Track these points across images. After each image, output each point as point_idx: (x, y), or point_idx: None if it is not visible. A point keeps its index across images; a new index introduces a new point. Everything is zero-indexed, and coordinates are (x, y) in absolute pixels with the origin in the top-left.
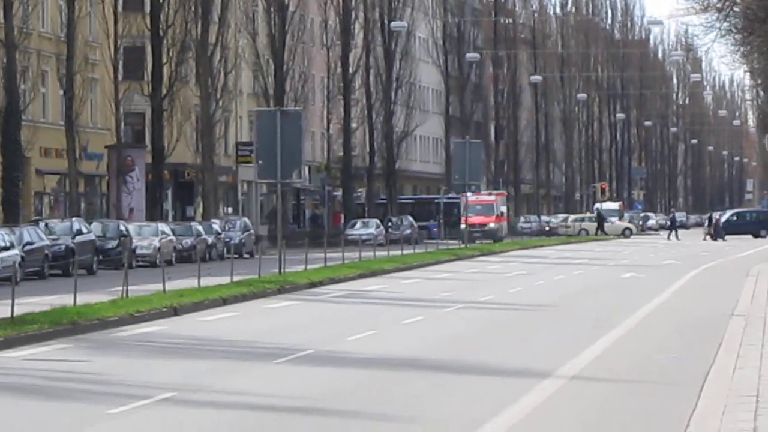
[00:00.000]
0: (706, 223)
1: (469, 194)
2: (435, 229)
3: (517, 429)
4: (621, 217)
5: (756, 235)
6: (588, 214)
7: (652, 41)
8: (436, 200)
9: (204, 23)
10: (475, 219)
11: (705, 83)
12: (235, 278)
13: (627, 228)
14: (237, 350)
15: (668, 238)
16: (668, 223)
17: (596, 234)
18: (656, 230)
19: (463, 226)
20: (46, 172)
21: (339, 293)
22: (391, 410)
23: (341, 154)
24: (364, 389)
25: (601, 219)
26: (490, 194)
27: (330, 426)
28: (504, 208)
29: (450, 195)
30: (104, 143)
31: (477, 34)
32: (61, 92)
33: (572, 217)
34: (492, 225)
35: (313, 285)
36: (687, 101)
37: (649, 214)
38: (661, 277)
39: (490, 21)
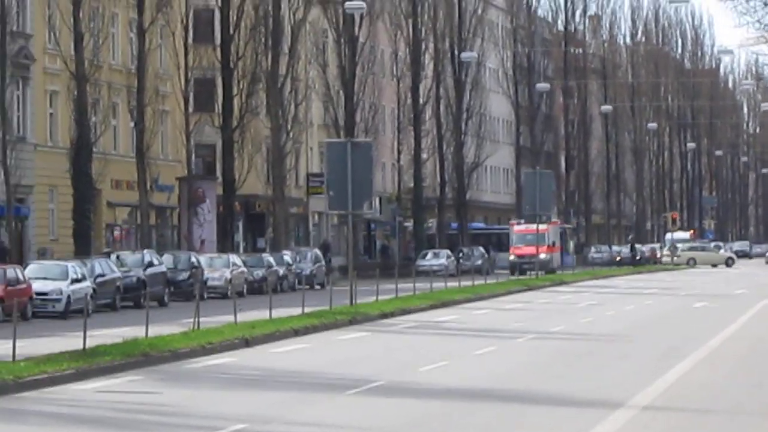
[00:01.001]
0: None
1: (517, 224)
2: None
3: None
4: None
5: None
6: (697, 243)
7: (722, 70)
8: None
9: (274, 55)
10: (524, 250)
11: None
12: (307, 310)
13: (729, 257)
14: (308, 382)
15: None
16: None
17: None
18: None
19: (511, 257)
20: (117, 204)
21: (410, 324)
22: None
23: (412, 184)
24: (436, 420)
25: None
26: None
27: None
28: (557, 239)
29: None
30: (175, 175)
31: (547, 64)
32: (132, 124)
33: (681, 245)
34: (543, 256)
35: (384, 316)
36: (757, 130)
37: (720, 243)
38: (733, 307)
39: (560, 51)
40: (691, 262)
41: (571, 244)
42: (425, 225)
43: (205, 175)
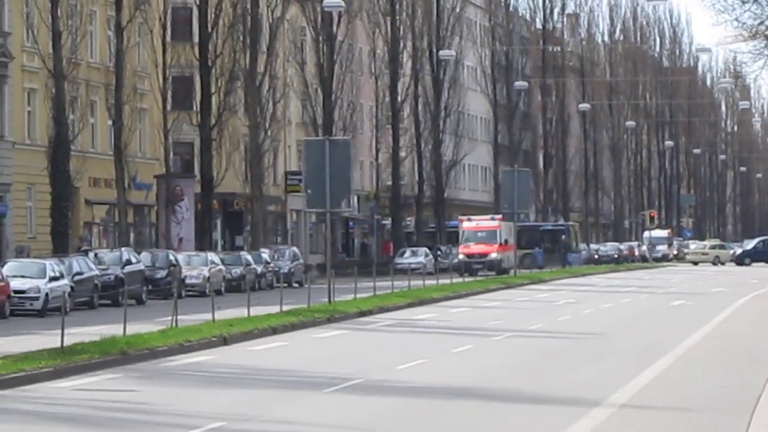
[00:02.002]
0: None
1: (467, 220)
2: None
3: None
4: (670, 245)
5: None
6: (717, 242)
7: (700, 69)
8: (540, 227)
9: (252, 53)
10: (474, 248)
11: (753, 110)
12: (285, 307)
13: (717, 256)
14: (286, 379)
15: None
16: None
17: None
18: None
19: (460, 256)
20: (95, 202)
21: (388, 322)
22: None
23: (390, 182)
24: (414, 418)
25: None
26: (492, 219)
27: None
28: (510, 236)
29: (557, 222)
30: (153, 173)
31: (525, 62)
32: (110, 122)
33: (708, 243)
34: (494, 255)
35: (362, 314)
36: (736, 128)
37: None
38: (711, 305)
39: (538, 49)
40: (716, 260)
41: (576, 243)
42: (403, 223)
43: (183, 173)
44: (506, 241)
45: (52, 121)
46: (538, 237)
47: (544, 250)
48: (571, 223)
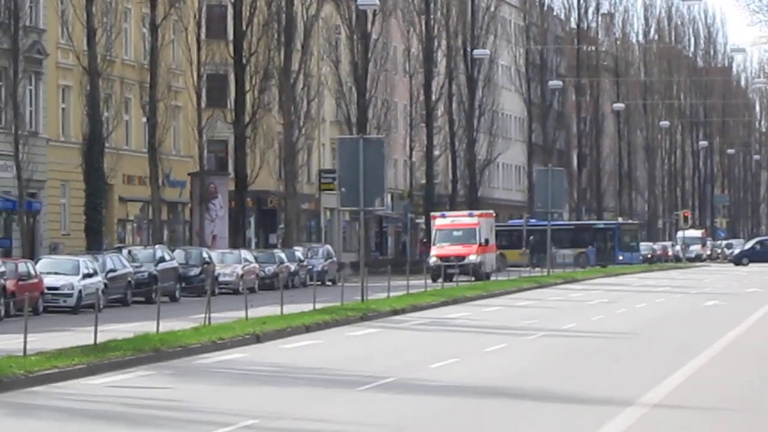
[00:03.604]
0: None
1: (440, 216)
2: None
3: None
4: (704, 245)
5: None
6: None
7: (734, 69)
8: (593, 226)
9: (287, 51)
10: (449, 250)
11: None
12: (318, 306)
13: None
14: (319, 378)
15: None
16: None
17: None
18: None
19: (432, 259)
20: (129, 199)
21: (421, 321)
22: None
23: (424, 181)
24: (446, 417)
25: None
26: (470, 215)
27: None
28: (491, 235)
29: (609, 221)
30: (187, 171)
31: (560, 61)
32: (144, 120)
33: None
34: (473, 258)
35: (395, 312)
36: None
37: (733, 241)
38: (745, 305)
39: (572, 49)
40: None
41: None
42: None
43: (217, 171)
44: (487, 241)
45: (86, 118)
46: (591, 236)
47: (597, 249)
48: (625, 221)
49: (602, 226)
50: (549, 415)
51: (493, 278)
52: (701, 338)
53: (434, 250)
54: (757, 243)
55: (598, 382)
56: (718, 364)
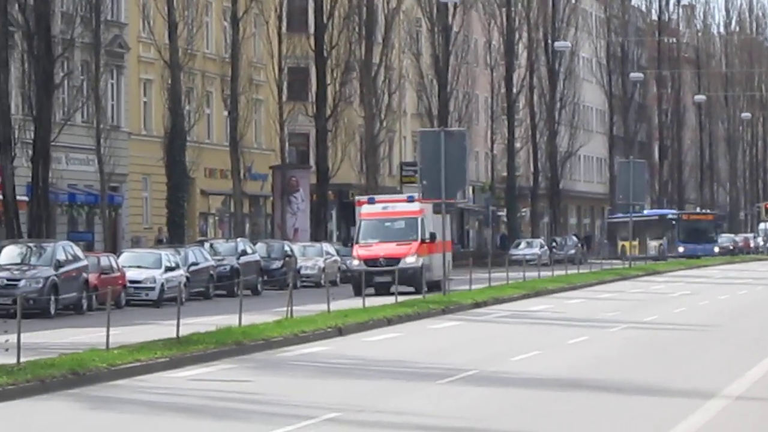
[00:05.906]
0: None
1: (368, 202)
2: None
3: None
4: None
5: None
6: None
7: None
8: (668, 217)
9: (368, 44)
10: (377, 249)
11: None
12: (400, 299)
13: None
14: (401, 370)
15: None
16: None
17: None
18: None
19: (355, 262)
20: (210, 192)
21: (503, 313)
22: (554, 430)
23: (505, 174)
24: (528, 409)
25: None
26: (409, 200)
27: None
28: (446, 228)
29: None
30: (269, 164)
31: (640, 53)
32: (226, 113)
33: None
34: (411, 260)
35: (477, 305)
36: None
37: None
38: None
39: (653, 40)
40: None
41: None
42: (519, 214)
43: (299, 164)
44: (433, 237)
45: (168, 111)
46: (666, 226)
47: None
48: (711, 211)
49: (670, 216)
50: (631, 407)
51: (573, 270)
52: None
53: (356, 250)
54: None
55: (680, 374)
56: None
